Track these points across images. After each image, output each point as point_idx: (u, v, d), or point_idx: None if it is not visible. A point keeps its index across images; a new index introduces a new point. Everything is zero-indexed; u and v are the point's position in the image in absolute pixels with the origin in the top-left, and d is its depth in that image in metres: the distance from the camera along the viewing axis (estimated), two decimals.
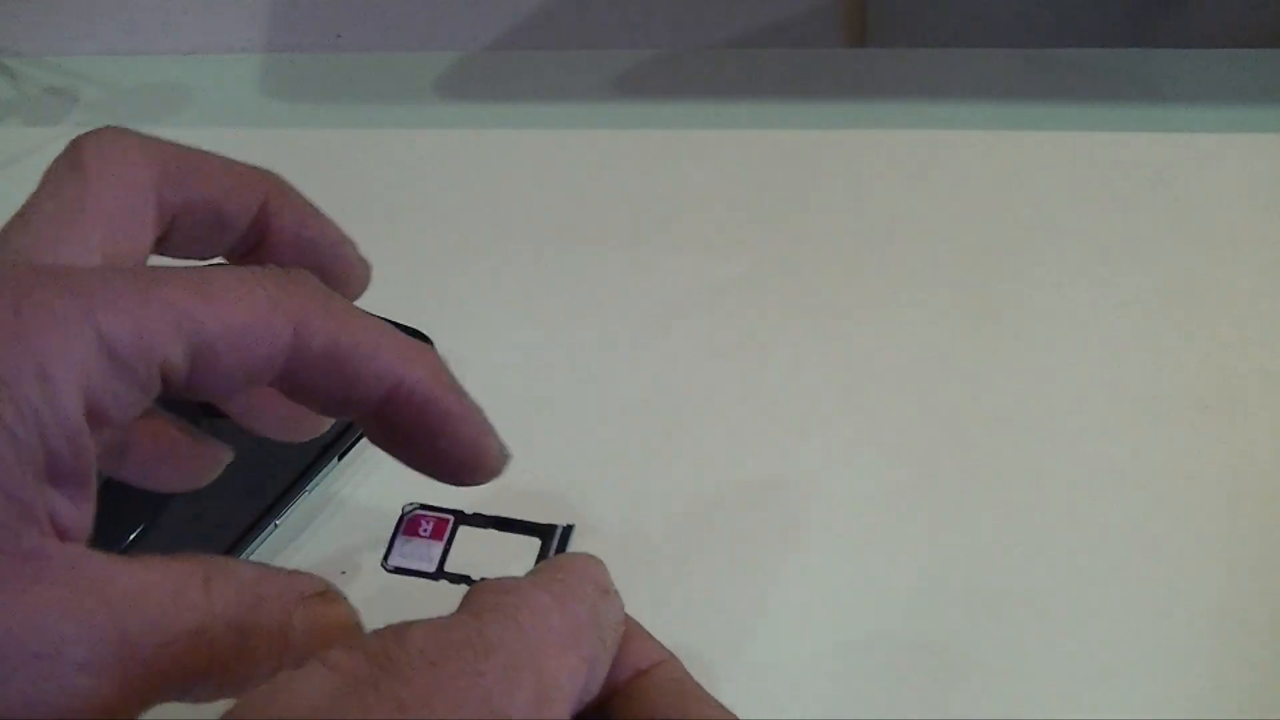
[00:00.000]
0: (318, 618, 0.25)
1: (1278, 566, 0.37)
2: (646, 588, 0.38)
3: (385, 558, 0.30)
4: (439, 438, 0.27)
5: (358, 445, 0.42)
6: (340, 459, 0.42)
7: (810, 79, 0.58)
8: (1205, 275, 0.47)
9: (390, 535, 0.31)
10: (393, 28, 0.65)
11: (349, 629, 0.26)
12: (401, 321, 0.46)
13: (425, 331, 0.46)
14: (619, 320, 0.47)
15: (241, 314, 0.24)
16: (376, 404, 0.26)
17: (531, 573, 0.26)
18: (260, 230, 0.30)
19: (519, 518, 0.31)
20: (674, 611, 0.37)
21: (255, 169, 0.30)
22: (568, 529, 0.31)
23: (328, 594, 0.26)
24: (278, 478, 0.40)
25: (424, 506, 0.31)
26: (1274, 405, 0.42)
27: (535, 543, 0.31)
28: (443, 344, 0.46)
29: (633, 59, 0.60)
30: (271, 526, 0.39)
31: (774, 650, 0.36)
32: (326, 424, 0.31)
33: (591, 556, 0.27)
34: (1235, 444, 0.41)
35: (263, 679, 0.22)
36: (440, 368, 0.27)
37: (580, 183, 0.54)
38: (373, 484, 0.42)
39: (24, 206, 0.26)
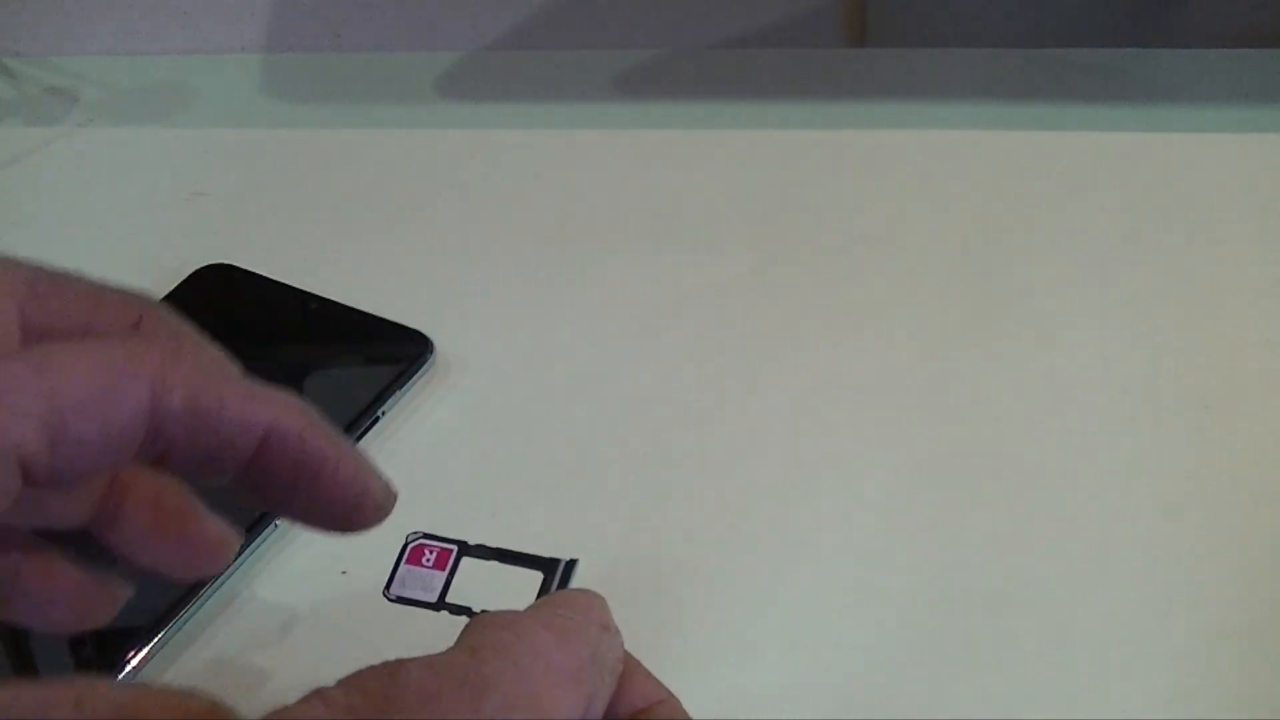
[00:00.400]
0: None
1: (1278, 566, 0.37)
2: (645, 588, 0.38)
3: (387, 586, 0.30)
4: (318, 482, 0.26)
5: (358, 445, 0.42)
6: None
7: (810, 79, 0.58)
8: (1205, 275, 0.47)
9: (393, 562, 0.30)
10: (393, 28, 0.65)
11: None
12: (401, 322, 0.46)
13: (425, 332, 0.46)
14: (619, 320, 0.47)
15: (95, 379, 0.23)
16: (249, 457, 0.25)
17: (533, 607, 0.26)
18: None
19: (522, 550, 0.31)
20: (671, 610, 0.37)
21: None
22: (570, 564, 0.31)
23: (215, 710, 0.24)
24: None
25: (427, 535, 0.31)
26: (1274, 405, 0.42)
27: (538, 576, 0.31)
28: (443, 344, 0.46)
29: (633, 59, 0.60)
30: (272, 526, 0.39)
31: (774, 650, 0.36)
32: (221, 563, 0.28)
33: (593, 593, 0.26)
34: (1235, 444, 0.41)
35: None
36: (310, 413, 0.26)
37: (580, 183, 0.54)
38: None
39: None
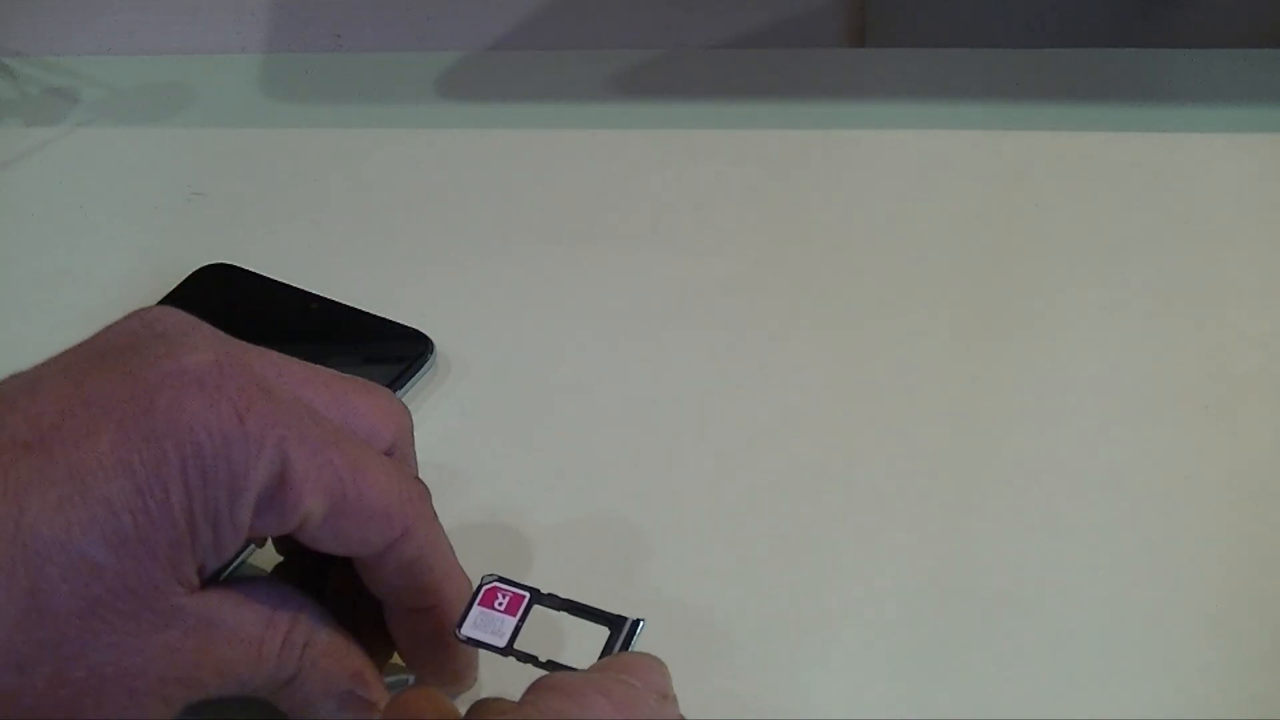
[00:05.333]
0: (350, 706, 0.31)
1: (1278, 566, 0.37)
2: (645, 587, 0.38)
3: (459, 625, 0.31)
4: (436, 658, 0.33)
5: None
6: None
7: (810, 79, 0.58)
8: (1205, 275, 0.47)
9: (467, 601, 0.32)
10: (393, 28, 0.65)
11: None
12: (402, 321, 0.46)
13: (425, 331, 0.46)
14: (619, 319, 0.47)
15: (378, 500, 0.29)
16: (406, 609, 0.32)
17: (596, 668, 0.28)
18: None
19: (593, 605, 0.32)
20: (668, 611, 0.37)
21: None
22: (637, 623, 0.31)
23: (366, 687, 0.31)
24: None
25: (501, 579, 0.32)
26: (1274, 405, 0.42)
27: (604, 631, 0.31)
28: (443, 344, 0.46)
29: (633, 59, 0.60)
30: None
31: (774, 650, 0.36)
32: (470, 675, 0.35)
33: (655, 659, 0.28)
34: (1235, 444, 0.41)
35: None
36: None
37: (580, 183, 0.54)
38: None
39: None
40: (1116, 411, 0.42)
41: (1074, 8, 0.62)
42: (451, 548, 0.32)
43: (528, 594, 0.32)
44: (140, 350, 0.28)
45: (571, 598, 0.32)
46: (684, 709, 0.28)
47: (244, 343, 0.30)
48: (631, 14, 0.63)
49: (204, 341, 0.29)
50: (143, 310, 0.31)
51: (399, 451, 0.33)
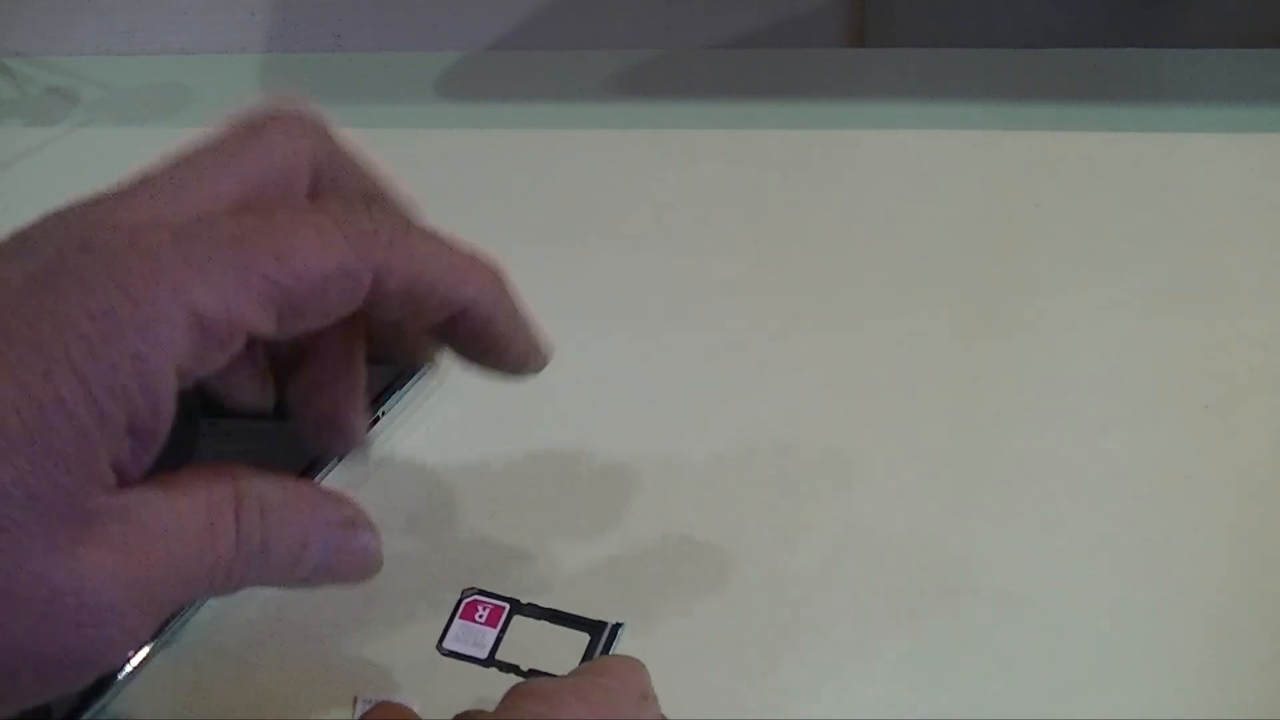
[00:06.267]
0: (337, 546, 0.28)
1: (1278, 566, 0.37)
2: (643, 587, 0.38)
3: (441, 640, 0.31)
4: (487, 354, 0.30)
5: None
6: (341, 458, 0.42)
7: (810, 79, 0.58)
8: (1205, 275, 0.47)
9: (448, 616, 0.31)
10: (393, 28, 0.65)
11: (365, 557, 0.28)
12: None
13: None
14: (619, 319, 0.47)
15: (325, 267, 0.25)
16: (440, 324, 0.29)
17: (574, 674, 0.28)
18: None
19: (571, 611, 0.32)
20: (664, 608, 0.37)
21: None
22: (616, 627, 0.31)
23: (354, 520, 0.28)
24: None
25: (480, 591, 0.32)
26: (1274, 405, 0.42)
27: (584, 637, 0.31)
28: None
29: (633, 59, 0.60)
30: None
31: (774, 650, 0.36)
32: (360, 433, 0.31)
33: (634, 661, 0.28)
34: (1235, 444, 0.41)
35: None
36: (503, 291, 0.30)
37: (580, 183, 0.54)
38: (374, 484, 0.42)
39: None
40: (1116, 411, 0.42)
41: (1074, 8, 0.62)
42: (453, 248, 0.29)
43: (507, 605, 0.32)
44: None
45: (552, 606, 0.32)
46: (682, 710, 0.28)
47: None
48: (631, 14, 0.63)
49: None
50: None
51: (329, 174, 0.29)
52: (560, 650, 0.32)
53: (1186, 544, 0.38)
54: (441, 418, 0.44)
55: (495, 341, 0.30)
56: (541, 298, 0.49)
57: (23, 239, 0.27)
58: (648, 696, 0.27)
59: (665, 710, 0.28)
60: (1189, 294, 0.46)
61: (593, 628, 0.31)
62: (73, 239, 0.26)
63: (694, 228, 0.51)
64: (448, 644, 0.31)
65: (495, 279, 0.29)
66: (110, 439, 0.24)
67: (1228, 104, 0.55)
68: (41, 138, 0.57)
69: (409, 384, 0.44)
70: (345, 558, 0.28)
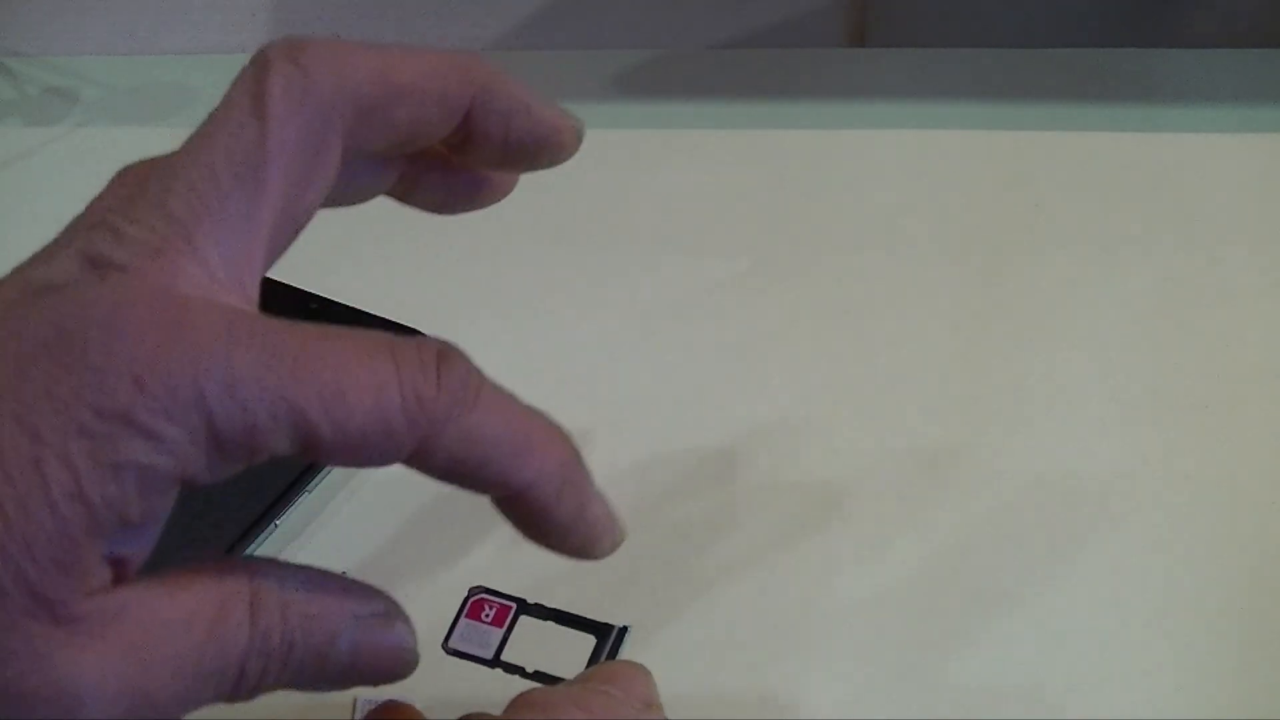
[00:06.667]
0: (368, 642, 0.25)
1: (1278, 566, 0.37)
2: (641, 588, 0.38)
3: (446, 639, 0.31)
4: (548, 537, 0.27)
5: None
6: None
7: (810, 79, 0.58)
8: (1205, 275, 0.47)
9: (454, 615, 0.31)
10: (392, 28, 0.65)
11: (400, 654, 0.26)
12: (402, 322, 0.46)
13: (425, 331, 0.46)
14: (618, 319, 0.47)
15: (367, 426, 0.23)
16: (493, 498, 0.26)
17: (578, 680, 0.27)
18: (463, 135, 0.29)
19: (578, 614, 0.31)
20: (661, 608, 0.37)
21: (460, 66, 0.29)
22: (623, 630, 0.31)
23: (388, 615, 0.26)
24: (278, 477, 0.40)
25: (487, 591, 0.32)
26: (1274, 405, 0.42)
27: (591, 640, 0.31)
28: None
29: (633, 59, 0.60)
30: (272, 526, 0.39)
31: (774, 650, 0.36)
32: (505, 189, 0.32)
33: (638, 667, 0.27)
34: (1235, 444, 0.41)
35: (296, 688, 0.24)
36: (566, 474, 0.27)
37: (580, 183, 0.54)
38: (374, 483, 0.42)
39: (195, 144, 0.26)
40: (1116, 411, 0.42)
41: (1074, 8, 0.62)
42: (523, 420, 0.27)
43: (514, 605, 0.32)
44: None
45: (558, 607, 0.32)
46: (683, 711, 0.28)
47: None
48: (631, 14, 0.63)
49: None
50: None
51: (482, 121, 0.30)
52: (566, 652, 0.32)
53: (1186, 544, 0.38)
54: None
55: (552, 531, 0.27)
56: (542, 298, 0.49)
57: (49, 259, 0.24)
58: (652, 704, 0.26)
59: (671, 713, 0.28)
60: (1189, 294, 0.46)
61: (599, 630, 0.31)
62: (103, 297, 0.23)
63: (694, 228, 0.51)
64: (453, 643, 0.31)
65: (562, 461, 0.26)
66: (100, 538, 0.22)
67: (1228, 104, 0.55)
68: (41, 138, 0.57)
69: None
70: (378, 656, 0.25)
